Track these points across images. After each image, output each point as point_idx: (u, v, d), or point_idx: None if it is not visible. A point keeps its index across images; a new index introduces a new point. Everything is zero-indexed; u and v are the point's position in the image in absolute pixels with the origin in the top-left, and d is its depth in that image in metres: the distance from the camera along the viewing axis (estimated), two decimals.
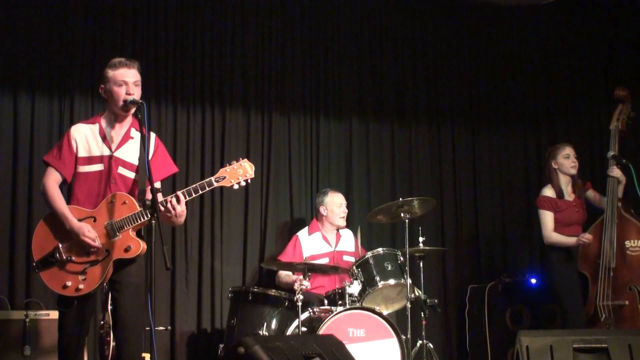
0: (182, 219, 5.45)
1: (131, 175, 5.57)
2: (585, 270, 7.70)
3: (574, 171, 7.82)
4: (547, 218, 7.74)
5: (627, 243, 7.53)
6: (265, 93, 9.01)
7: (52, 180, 5.52)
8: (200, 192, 5.41)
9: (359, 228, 8.15)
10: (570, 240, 7.65)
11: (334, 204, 8.32)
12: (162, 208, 5.27)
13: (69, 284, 5.34)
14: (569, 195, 7.82)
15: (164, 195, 5.42)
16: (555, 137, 9.51)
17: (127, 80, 5.47)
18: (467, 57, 9.98)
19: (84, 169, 5.53)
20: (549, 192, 7.81)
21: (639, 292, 7.38)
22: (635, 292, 7.39)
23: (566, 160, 7.80)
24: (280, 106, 9.06)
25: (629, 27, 9.04)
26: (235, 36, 8.93)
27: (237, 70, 8.91)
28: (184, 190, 5.39)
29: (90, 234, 5.34)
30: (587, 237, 7.55)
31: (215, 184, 5.41)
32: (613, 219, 7.54)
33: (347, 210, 8.33)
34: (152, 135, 5.71)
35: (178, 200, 5.33)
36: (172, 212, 5.32)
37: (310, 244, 8.22)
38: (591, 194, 7.96)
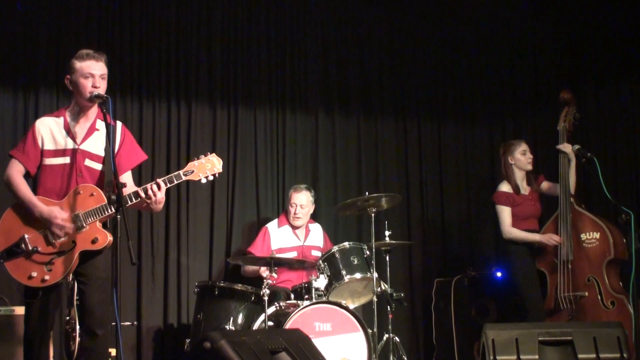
0: (160, 206, 5.48)
1: (98, 167, 5.57)
2: (543, 267, 7.83)
3: (530, 167, 7.99)
4: (505, 213, 7.87)
5: (583, 236, 7.66)
6: (231, 87, 9.00)
7: (15, 170, 5.52)
8: (169, 184, 5.42)
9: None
10: (534, 236, 7.79)
11: (288, 202, 8.37)
12: (142, 195, 5.31)
13: (34, 274, 5.32)
14: (524, 190, 7.95)
15: (139, 184, 5.43)
16: (520, 131, 9.57)
17: (93, 72, 5.45)
18: (433, 51, 10.03)
19: (50, 161, 5.52)
20: (505, 187, 7.94)
21: (597, 282, 7.49)
22: (594, 283, 7.50)
23: (523, 157, 7.94)
24: (246, 100, 9.05)
25: (594, 25, 9.08)
26: (200, 29, 8.91)
27: (203, 63, 8.90)
28: (165, 178, 5.41)
29: (62, 214, 5.34)
30: (556, 238, 7.66)
31: (184, 177, 5.43)
32: (567, 212, 7.67)
33: (301, 212, 8.26)
34: (119, 124, 5.74)
35: (159, 187, 5.35)
36: (153, 198, 5.33)
37: (279, 236, 8.23)
38: (545, 185, 8.07)
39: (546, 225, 7.88)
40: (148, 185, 5.36)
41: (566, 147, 7.81)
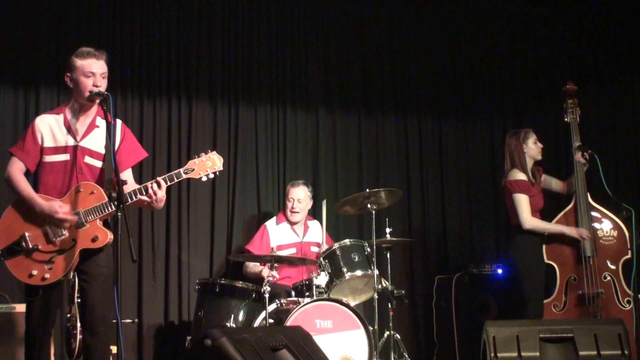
0: (161, 205, 5.48)
1: (98, 164, 5.57)
2: (553, 261, 7.70)
3: (540, 156, 7.83)
4: (525, 202, 7.59)
5: (600, 233, 7.61)
6: (232, 84, 9.00)
7: (16, 168, 5.53)
8: (169, 183, 5.42)
9: (324, 203, 8.24)
10: (563, 228, 7.64)
11: (286, 197, 8.36)
12: (143, 193, 5.32)
13: (34, 272, 5.32)
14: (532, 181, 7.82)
15: (138, 182, 5.43)
16: (521, 127, 9.55)
17: (94, 71, 5.45)
18: (434, 48, 10.00)
19: (50, 158, 5.52)
20: (521, 175, 7.67)
21: (613, 280, 7.50)
22: (611, 280, 7.50)
23: (535, 146, 7.78)
24: (247, 97, 9.04)
25: (595, 22, 9.09)
26: (201, 27, 8.90)
27: (204, 61, 8.89)
28: (165, 176, 5.41)
29: (63, 207, 5.35)
30: (586, 233, 7.58)
31: (184, 176, 5.43)
32: (587, 209, 7.61)
33: (299, 206, 8.24)
34: (119, 122, 5.73)
35: (159, 186, 5.35)
36: (153, 197, 5.35)
37: (278, 233, 8.23)
38: (544, 178, 7.99)
39: (556, 219, 7.76)
40: (148, 184, 5.36)
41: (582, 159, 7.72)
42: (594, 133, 8.92)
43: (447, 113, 9.97)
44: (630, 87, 8.81)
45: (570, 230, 7.61)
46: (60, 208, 5.34)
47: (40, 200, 5.39)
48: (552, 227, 7.67)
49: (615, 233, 7.58)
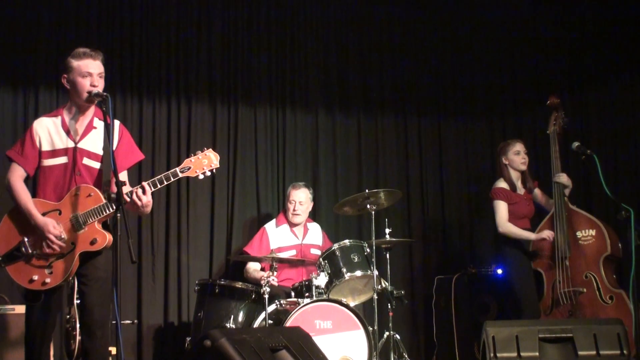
0: (148, 209, 5.44)
1: (96, 165, 5.54)
2: (539, 267, 7.89)
3: (524, 167, 8.02)
4: (502, 208, 7.87)
5: (579, 233, 7.75)
6: (232, 85, 8.99)
7: (17, 175, 5.50)
8: (166, 182, 5.41)
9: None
10: (529, 234, 7.85)
11: (287, 200, 8.34)
12: (127, 199, 5.25)
13: (35, 277, 5.31)
14: (519, 190, 8.00)
15: (139, 183, 5.42)
16: (520, 128, 9.57)
17: (91, 71, 5.43)
18: (433, 48, 10.00)
19: (48, 162, 5.49)
20: (502, 184, 7.98)
21: (595, 278, 7.57)
22: (592, 279, 7.59)
23: (516, 157, 7.98)
24: (247, 98, 9.04)
25: (595, 22, 9.08)
26: (201, 26, 8.91)
27: (203, 61, 8.89)
28: (150, 181, 5.38)
29: (55, 230, 5.31)
30: (549, 234, 7.72)
31: (180, 175, 5.41)
32: (562, 210, 7.74)
33: (300, 209, 8.22)
34: (117, 122, 5.72)
35: (144, 191, 5.32)
36: (138, 202, 5.30)
37: (278, 236, 8.21)
38: (538, 193, 8.16)
39: (540, 225, 7.93)
40: (133, 189, 5.32)
41: (562, 178, 7.87)
42: (592, 132, 8.91)
43: (447, 113, 9.97)
44: (630, 87, 8.80)
45: (534, 236, 7.83)
46: (53, 229, 5.33)
47: (36, 215, 5.36)
48: (523, 233, 7.86)
49: (593, 232, 7.71)
